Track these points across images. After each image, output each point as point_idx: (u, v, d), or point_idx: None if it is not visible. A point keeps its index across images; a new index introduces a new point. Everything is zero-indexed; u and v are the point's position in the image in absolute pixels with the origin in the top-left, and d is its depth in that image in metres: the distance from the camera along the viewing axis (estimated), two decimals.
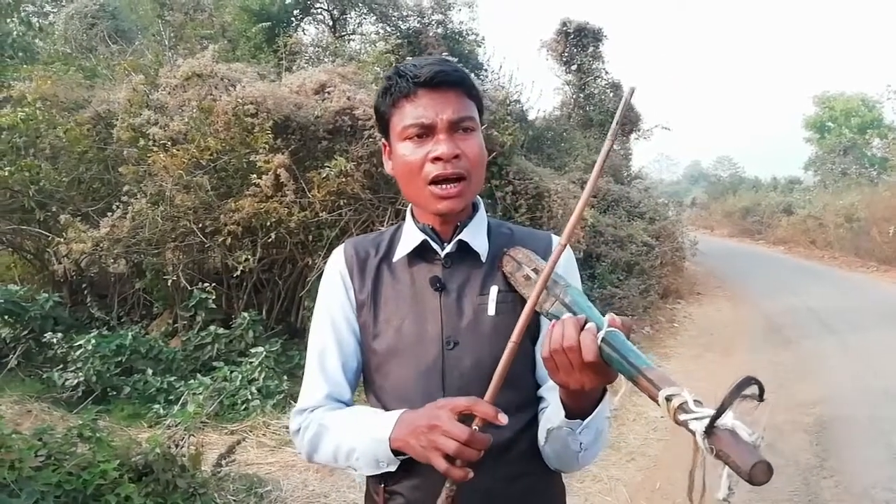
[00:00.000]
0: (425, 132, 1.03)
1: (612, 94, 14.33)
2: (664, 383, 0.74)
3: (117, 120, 5.21)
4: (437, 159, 1.02)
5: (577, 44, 14.27)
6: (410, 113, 1.03)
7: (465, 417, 0.91)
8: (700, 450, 0.68)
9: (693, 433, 0.68)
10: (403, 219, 1.18)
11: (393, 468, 1.03)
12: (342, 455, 1.06)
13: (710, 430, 0.67)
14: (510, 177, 6.19)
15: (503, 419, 0.90)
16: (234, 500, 3.16)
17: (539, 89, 18.68)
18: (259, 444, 3.89)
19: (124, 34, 9.33)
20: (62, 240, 4.84)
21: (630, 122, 14.47)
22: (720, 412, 0.66)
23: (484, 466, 0.93)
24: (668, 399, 0.72)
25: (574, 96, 14.31)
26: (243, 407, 4.29)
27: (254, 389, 4.37)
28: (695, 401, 0.70)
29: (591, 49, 14.34)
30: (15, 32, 8.66)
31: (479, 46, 11.89)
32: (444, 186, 1.03)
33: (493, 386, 0.91)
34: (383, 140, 1.13)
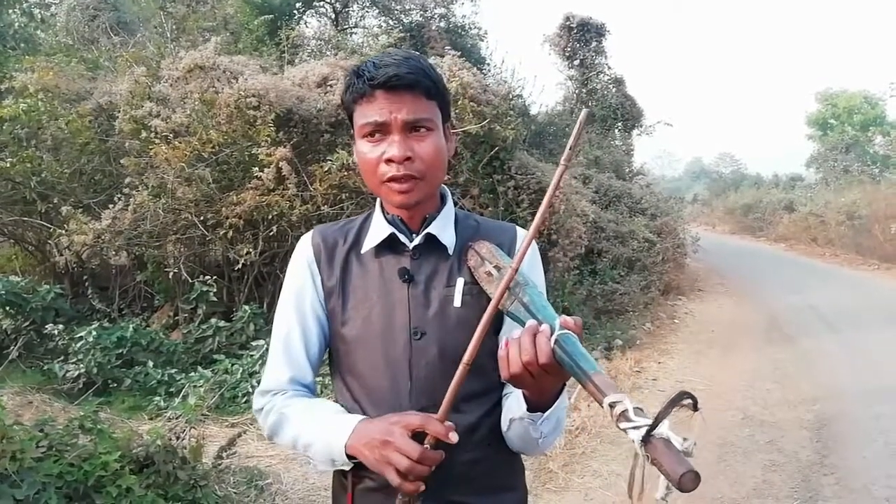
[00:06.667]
0: (380, 131, 1.04)
1: (614, 90, 14.32)
2: (609, 390, 0.79)
3: (119, 112, 5.20)
4: (389, 161, 1.04)
5: (580, 39, 14.25)
6: (367, 113, 1.05)
7: (418, 434, 0.95)
8: (638, 455, 0.73)
9: (633, 441, 0.73)
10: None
11: (347, 468, 1.05)
12: (300, 446, 1.09)
13: (647, 439, 0.71)
14: (512, 172, 6.17)
15: (454, 438, 0.94)
16: (235, 493, 3.17)
17: (541, 84, 18.81)
18: (259, 437, 3.89)
19: (126, 26, 9.33)
20: (64, 231, 4.84)
21: (632, 118, 14.46)
22: (655, 424, 0.71)
23: (447, 449, 0.96)
24: (612, 406, 0.76)
25: (576, 91, 14.29)
26: (244, 400, 4.30)
27: (254, 382, 4.37)
28: (636, 409, 0.75)
29: (593, 44, 14.33)
30: (17, 23, 8.65)
31: (482, 40, 11.88)
32: (395, 185, 1.05)
33: (445, 403, 0.94)
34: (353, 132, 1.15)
